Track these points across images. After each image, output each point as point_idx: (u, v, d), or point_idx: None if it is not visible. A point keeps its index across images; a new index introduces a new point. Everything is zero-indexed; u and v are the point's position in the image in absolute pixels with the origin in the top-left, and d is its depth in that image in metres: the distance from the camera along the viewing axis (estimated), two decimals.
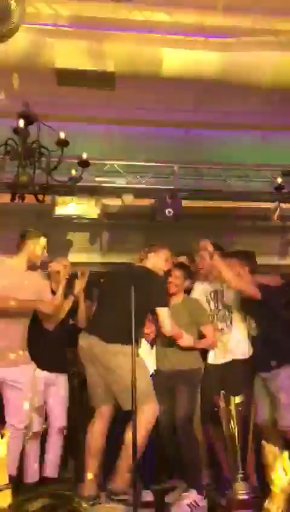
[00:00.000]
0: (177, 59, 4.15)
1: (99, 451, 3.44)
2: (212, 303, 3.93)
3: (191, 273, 4.05)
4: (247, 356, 3.74)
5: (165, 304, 3.56)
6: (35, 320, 3.81)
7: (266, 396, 3.62)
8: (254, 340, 3.76)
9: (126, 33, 4.07)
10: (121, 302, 3.29)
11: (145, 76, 4.18)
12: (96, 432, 3.48)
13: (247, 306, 3.76)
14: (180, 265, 4.00)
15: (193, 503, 3.59)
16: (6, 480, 1.47)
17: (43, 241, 3.72)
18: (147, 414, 3.30)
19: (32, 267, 3.74)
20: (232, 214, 5.94)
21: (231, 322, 3.83)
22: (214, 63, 4.19)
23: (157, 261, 3.71)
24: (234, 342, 3.78)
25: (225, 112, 5.00)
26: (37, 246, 3.69)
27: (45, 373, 3.87)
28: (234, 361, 3.72)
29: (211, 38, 4.24)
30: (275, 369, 3.57)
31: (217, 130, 5.32)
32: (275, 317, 3.69)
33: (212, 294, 3.96)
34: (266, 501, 1.48)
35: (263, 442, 1.61)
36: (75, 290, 4.13)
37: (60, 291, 3.81)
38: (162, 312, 3.52)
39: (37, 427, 3.78)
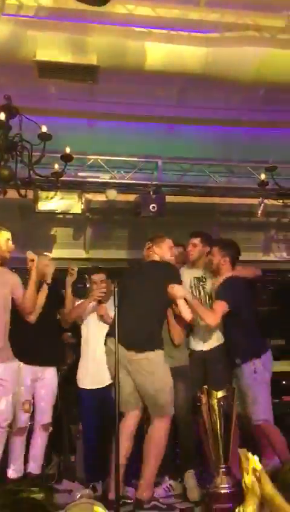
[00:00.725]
0: (161, 53, 4.12)
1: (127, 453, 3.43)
2: (194, 288, 3.96)
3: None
4: (221, 342, 3.83)
5: None
6: (18, 316, 3.78)
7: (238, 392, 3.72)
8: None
9: (109, 26, 4.02)
10: (141, 303, 3.45)
11: (128, 70, 4.14)
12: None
13: None
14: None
15: (168, 487, 3.65)
16: None
17: (4, 234, 3.67)
18: (166, 425, 3.42)
19: (3, 263, 3.69)
20: (216, 210, 5.96)
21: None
22: (197, 57, 4.18)
23: (162, 252, 3.74)
24: (210, 330, 3.84)
25: (208, 107, 4.99)
26: (0, 239, 3.64)
27: (31, 367, 3.84)
28: (212, 350, 3.82)
29: (194, 32, 4.22)
30: (240, 366, 3.69)
31: (201, 125, 5.31)
32: (239, 315, 3.74)
33: (195, 280, 4.00)
34: (239, 507, 1.50)
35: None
36: (67, 287, 4.13)
37: (30, 284, 3.76)
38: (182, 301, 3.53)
39: (22, 422, 3.75)
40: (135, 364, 3.39)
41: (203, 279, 3.99)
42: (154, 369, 3.40)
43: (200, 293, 3.97)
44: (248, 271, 4.03)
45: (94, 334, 3.94)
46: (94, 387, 3.90)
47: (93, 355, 3.90)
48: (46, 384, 3.95)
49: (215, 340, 3.87)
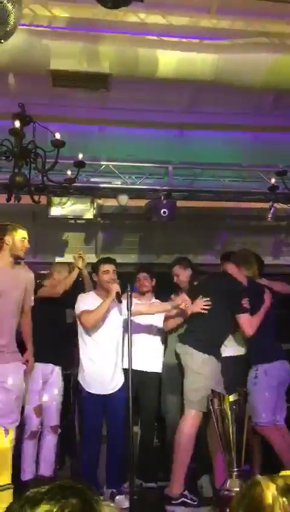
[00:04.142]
0: (172, 60, 4.17)
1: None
2: None
3: None
4: (242, 353, 3.94)
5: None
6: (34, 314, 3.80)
7: None
8: None
9: (121, 35, 4.09)
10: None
11: (140, 77, 4.20)
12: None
13: None
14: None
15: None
16: (9, 480, 1.46)
17: (21, 232, 3.61)
18: (193, 419, 3.56)
19: (17, 261, 3.65)
20: (226, 214, 5.99)
21: None
22: (208, 64, 4.22)
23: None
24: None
25: (219, 113, 5.04)
26: (15, 237, 3.57)
27: (42, 369, 3.86)
28: (236, 356, 3.94)
29: (205, 40, 4.27)
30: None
31: (211, 131, 5.35)
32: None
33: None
34: None
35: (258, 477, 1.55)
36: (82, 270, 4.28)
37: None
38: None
39: (34, 426, 3.79)
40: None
41: None
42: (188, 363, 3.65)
43: None
44: (280, 285, 4.26)
45: (109, 335, 3.84)
46: (103, 393, 3.79)
47: (104, 359, 3.82)
48: (53, 386, 3.98)
49: (242, 346, 4.00)
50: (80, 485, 0.89)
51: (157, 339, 4.22)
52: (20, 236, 3.59)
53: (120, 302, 3.74)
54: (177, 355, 3.83)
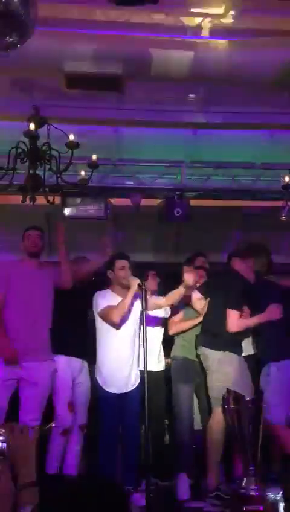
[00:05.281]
0: (186, 60, 4.17)
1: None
2: None
3: None
4: (252, 352, 4.03)
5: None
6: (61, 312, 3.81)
7: None
8: None
9: (134, 36, 4.10)
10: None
11: (153, 78, 4.21)
12: None
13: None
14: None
15: None
16: (34, 477, 1.48)
17: (27, 232, 3.86)
18: (220, 415, 3.65)
19: (37, 259, 3.84)
20: (239, 213, 5.97)
21: None
22: (222, 63, 4.22)
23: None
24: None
25: (233, 112, 5.03)
26: (24, 239, 3.84)
27: (71, 368, 3.84)
28: (245, 357, 3.95)
29: (219, 39, 4.26)
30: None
31: (225, 130, 5.34)
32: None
33: None
34: None
35: None
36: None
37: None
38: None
39: (67, 423, 3.77)
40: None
41: None
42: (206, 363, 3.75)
43: None
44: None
45: (128, 332, 3.83)
46: (119, 392, 3.81)
47: (122, 358, 3.83)
48: (83, 384, 3.97)
49: (251, 345, 4.09)
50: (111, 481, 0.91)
51: (160, 339, 4.29)
52: (27, 235, 3.85)
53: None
54: (197, 356, 3.93)
